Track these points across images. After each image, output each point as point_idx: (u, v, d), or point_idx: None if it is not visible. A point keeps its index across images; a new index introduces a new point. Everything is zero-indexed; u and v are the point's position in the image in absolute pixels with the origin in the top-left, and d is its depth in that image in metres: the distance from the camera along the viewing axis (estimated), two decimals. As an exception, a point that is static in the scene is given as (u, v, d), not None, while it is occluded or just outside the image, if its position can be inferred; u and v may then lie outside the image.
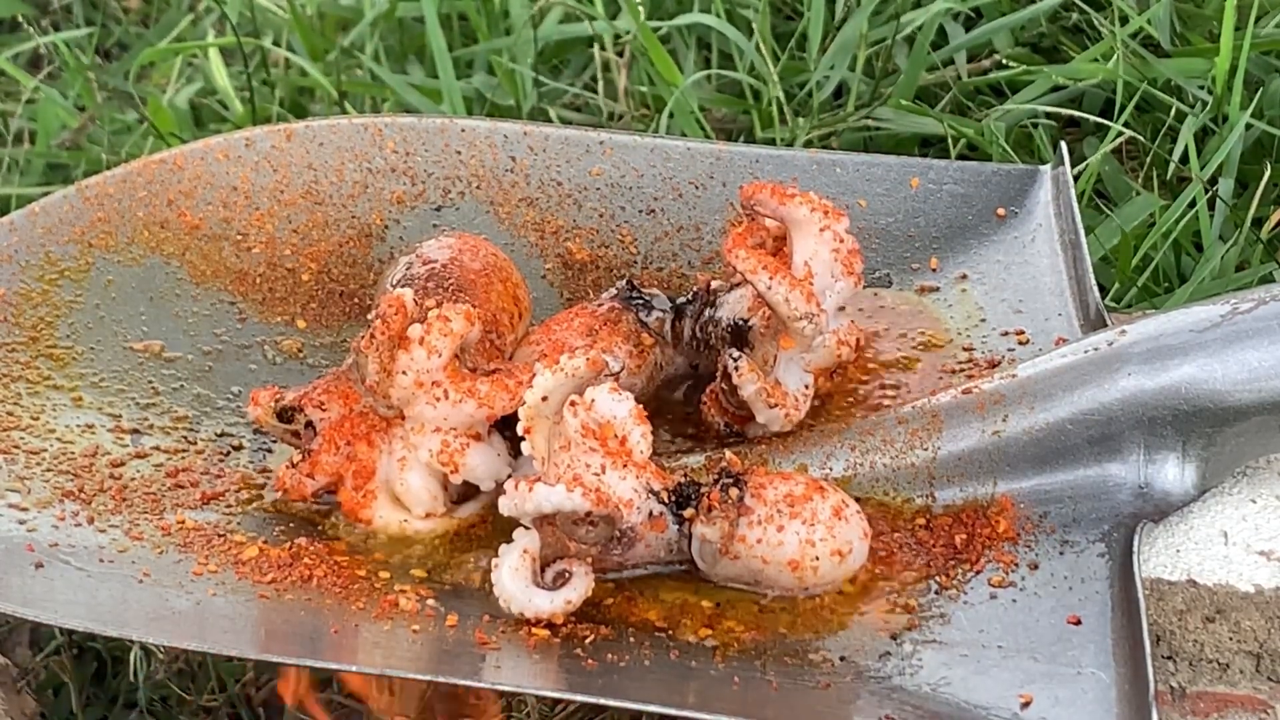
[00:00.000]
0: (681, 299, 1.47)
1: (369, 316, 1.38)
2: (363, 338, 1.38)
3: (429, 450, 1.38)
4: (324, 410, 1.40)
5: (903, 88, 1.86)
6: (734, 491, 1.30)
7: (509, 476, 1.38)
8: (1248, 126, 1.74)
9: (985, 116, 1.84)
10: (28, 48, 2.27)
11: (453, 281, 1.44)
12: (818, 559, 1.30)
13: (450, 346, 1.37)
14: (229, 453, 1.46)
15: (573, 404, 1.32)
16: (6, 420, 1.45)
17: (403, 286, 1.42)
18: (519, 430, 1.34)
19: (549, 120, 1.94)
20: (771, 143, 1.86)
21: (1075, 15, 1.93)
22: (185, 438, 1.47)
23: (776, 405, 1.40)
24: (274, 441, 1.46)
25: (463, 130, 1.64)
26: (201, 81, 2.15)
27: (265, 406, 1.40)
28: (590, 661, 1.26)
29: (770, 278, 1.39)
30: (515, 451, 1.39)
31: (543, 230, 1.61)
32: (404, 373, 1.37)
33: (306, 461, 1.40)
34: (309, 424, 1.40)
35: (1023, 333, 1.50)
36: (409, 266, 1.46)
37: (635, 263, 1.59)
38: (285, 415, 1.40)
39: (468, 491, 1.41)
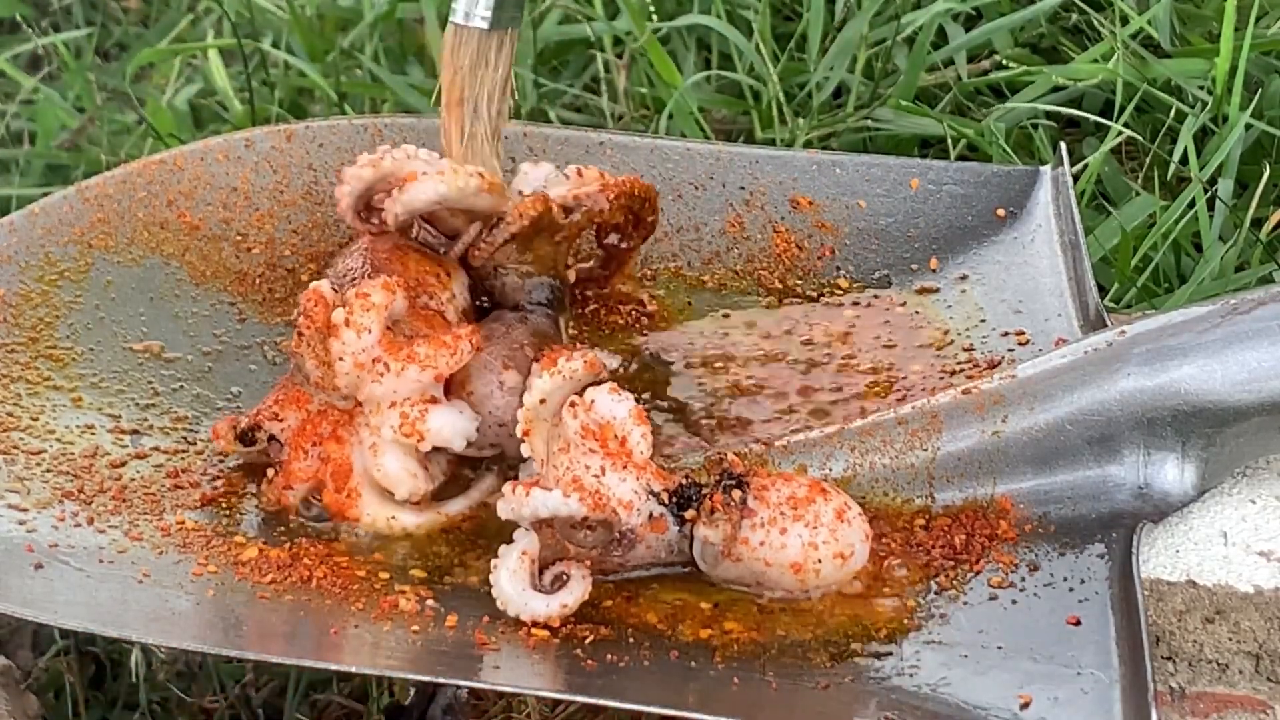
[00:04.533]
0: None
1: (292, 318, 1.39)
2: (293, 340, 1.38)
3: (391, 426, 1.38)
4: (281, 420, 1.40)
5: (902, 88, 1.86)
6: (737, 493, 1.30)
7: (478, 430, 1.38)
8: (1247, 127, 1.74)
9: (985, 117, 1.84)
10: (27, 48, 2.27)
11: (365, 268, 1.45)
12: (820, 561, 1.30)
13: (377, 321, 1.37)
14: (229, 453, 1.46)
15: (572, 405, 1.32)
16: (6, 421, 1.45)
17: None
18: (518, 433, 1.34)
19: (549, 121, 1.94)
20: (771, 143, 1.86)
21: (1075, 15, 1.93)
22: (185, 438, 1.47)
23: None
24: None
25: (463, 131, 1.64)
26: (201, 82, 2.15)
27: (226, 436, 1.41)
28: (590, 662, 1.26)
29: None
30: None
31: (542, 231, 1.61)
32: (341, 359, 1.37)
33: (280, 474, 1.40)
34: (272, 438, 1.40)
35: (1023, 333, 1.50)
36: (331, 281, 1.47)
37: (635, 263, 1.59)
38: (247, 438, 1.41)
39: (453, 473, 1.40)
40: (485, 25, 1.46)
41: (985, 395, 1.39)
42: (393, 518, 1.39)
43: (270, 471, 1.41)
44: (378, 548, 1.38)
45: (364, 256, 1.47)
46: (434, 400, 1.38)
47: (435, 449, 1.39)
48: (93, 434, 1.46)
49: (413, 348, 1.38)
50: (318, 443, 1.40)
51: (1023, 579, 1.31)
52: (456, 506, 1.41)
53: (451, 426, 1.39)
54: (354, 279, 1.44)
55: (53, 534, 1.37)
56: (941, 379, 1.47)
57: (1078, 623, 1.27)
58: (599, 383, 1.34)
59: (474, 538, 1.39)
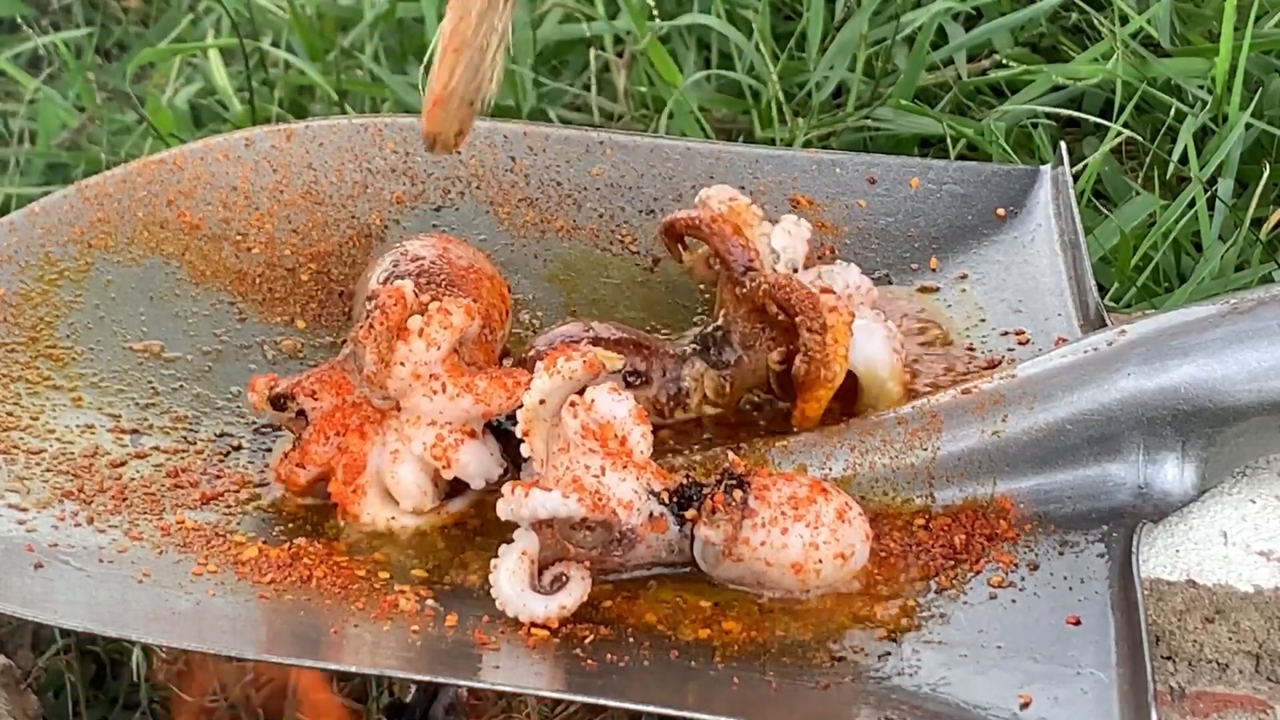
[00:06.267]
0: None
1: (366, 307, 1.39)
2: (361, 328, 1.38)
3: (423, 443, 1.38)
4: (316, 399, 1.40)
5: (902, 88, 1.86)
6: (738, 493, 1.30)
7: (500, 477, 1.38)
8: (1247, 126, 1.74)
9: (985, 116, 1.84)
10: (28, 48, 2.27)
11: (443, 277, 1.45)
12: (821, 561, 1.30)
13: (450, 340, 1.38)
14: (229, 453, 1.46)
15: (572, 404, 1.32)
16: (6, 420, 1.45)
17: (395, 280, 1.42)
18: (518, 433, 1.34)
19: (549, 120, 1.94)
20: (771, 143, 1.86)
21: (1075, 15, 1.93)
22: (185, 438, 1.47)
23: None
24: (275, 440, 1.46)
25: (462, 130, 1.64)
26: (201, 82, 2.15)
27: (261, 393, 1.41)
28: (590, 662, 1.26)
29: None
30: (509, 456, 1.39)
31: (543, 230, 1.61)
32: (402, 364, 1.37)
33: (297, 451, 1.40)
34: (300, 412, 1.40)
35: (1023, 333, 1.50)
36: (396, 265, 1.47)
37: (636, 263, 1.59)
38: (278, 403, 1.41)
39: (457, 489, 1.41)
40: None
41: (985, 395, 1.39)
42: (393, 518, 1.39)
43: (288, 446, 1.41)
44: (378, 548, 1.38)
45: (441, 255, 1.46)
46: (472, 434, 1.39)
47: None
48: (93, 434, 1.46)
49: (474, 379, 1.38)
50: (342, 432, 1.40)
51: (1023, 579, 1.31)
52: (457, 505, 1.41)
53: (478, 464, 1.39)
54: (430, 281, 1.43)
55: (53, 534, 1.37)
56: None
57: (1078, 622, 1.27)
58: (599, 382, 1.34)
59: (474, 537, 1.39)
